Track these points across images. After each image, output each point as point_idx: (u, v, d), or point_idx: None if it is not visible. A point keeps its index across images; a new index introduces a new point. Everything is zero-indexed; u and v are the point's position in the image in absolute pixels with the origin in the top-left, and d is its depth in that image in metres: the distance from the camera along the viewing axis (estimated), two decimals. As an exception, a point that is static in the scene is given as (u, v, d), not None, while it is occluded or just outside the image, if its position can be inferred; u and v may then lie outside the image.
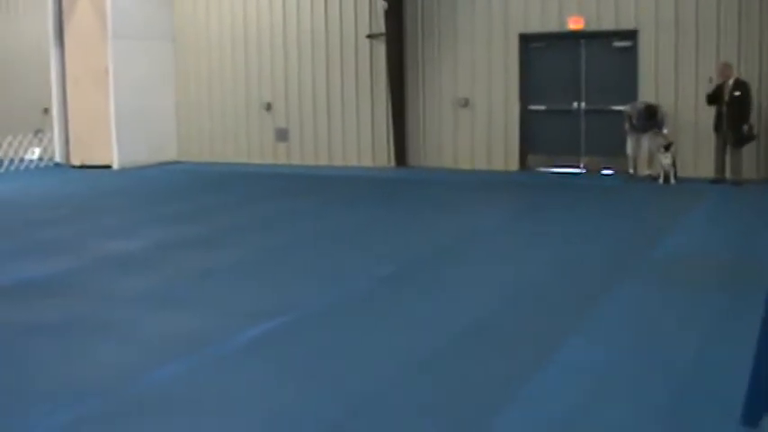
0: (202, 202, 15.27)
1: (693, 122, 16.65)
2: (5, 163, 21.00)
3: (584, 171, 18.03)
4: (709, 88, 15.76)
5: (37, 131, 22.38)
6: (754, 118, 15.72)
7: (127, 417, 5.50)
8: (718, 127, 15.75)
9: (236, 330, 7.20)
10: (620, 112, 16.83)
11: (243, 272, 9.70)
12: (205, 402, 5.71)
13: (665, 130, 16.18)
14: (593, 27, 17.65)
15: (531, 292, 8.53)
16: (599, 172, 17.80)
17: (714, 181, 15.76)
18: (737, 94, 15.47)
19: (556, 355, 6.42)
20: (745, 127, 15.42)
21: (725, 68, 15.73)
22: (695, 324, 7.21)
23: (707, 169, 16.15)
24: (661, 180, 15.93)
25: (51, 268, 9.84)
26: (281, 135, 21.11)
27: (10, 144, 21.53)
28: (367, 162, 20.11)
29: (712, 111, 15.81)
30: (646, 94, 16.98)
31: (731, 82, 15.58)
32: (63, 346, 6.97)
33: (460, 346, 6.78)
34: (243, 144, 21.70)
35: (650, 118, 16.23)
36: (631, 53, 17.41)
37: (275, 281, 9.23)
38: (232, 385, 5.97)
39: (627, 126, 16.45)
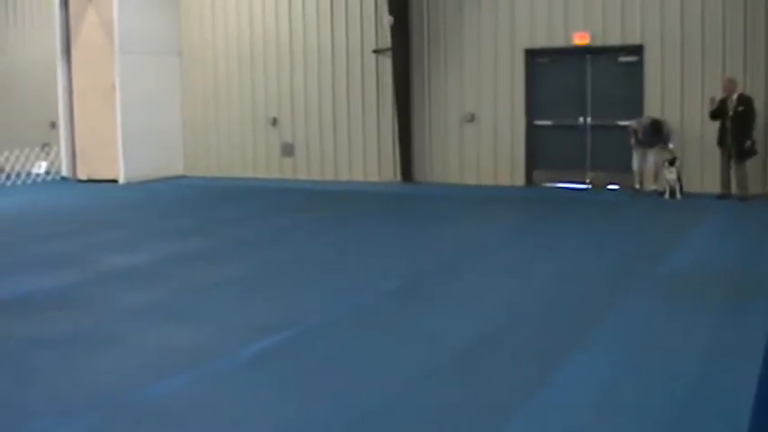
0: (208, 217, 15.29)
1: (699, 137, 16.63)
2: (12, 176, 21.06)
3: (589, 186, 18.01)
4: (713, 106, 15.75)
5: (44, 145, 22.46)
6: (759, 133, 15.72)
7: (129, 430, 5.49)
8: (721, 141, 15.75)
9: (241, 344, 7.19)
10: (625, 127, 16.81)
11: (248, 286, 9.69)
12: (209, 416, 5.69)
13: (670, 145, 16.17)
14: (599, 42, 17.65)
15: (536, 306, 8.51)
16: (605, 187, 17.77)
17: (720, 196, 15.73)
18: (741, 109, 15.46)
19: (561, 369, 6.40)
20: (748, 142, 15.42)
21: (729, 83, 15.72)
22: (700, 339, 7.18)
23: (713, 184, 16.12)
24: (667, 195, 15.90)
25: (56, 282, 9.85)
26: (287, 150, 21.14)
27: (17, 158, 21.60)
28: (373, 177, 20.12)
29: (717, 125, 15.80)
30: (651, 110, 16.96)
31: (735, 97, 15.58)
32: (66, 359, 6.96)
33: (466, 361, 6.76)
34: (249, 159, 21.72)
35: (656, 133, 16.22)
36: (637, 68, 17.41)
37: (281, 295, 9.22)
38: (236, 399, 5.95)
39: (632, 141, 16.44)
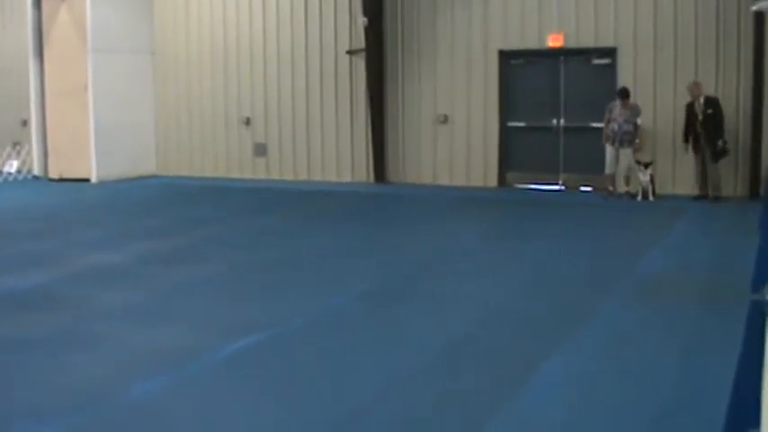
0: (181, 217, 15.22)
1: (672, 139, 16.76)
2: (-18, 176, 20.90)
3: (562, 188, 18.09)
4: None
5: (15, 144, 22.27)
6: (731, 135, 15.89)
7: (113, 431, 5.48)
8: (694, 145, 15.88)
9: (219, 345, 7.17)
10: (599, 129, 16.87)
11: (223, 287, 9.65)
12: (186, 418, 5.68)
13: (639, 121, 16.24)
14: (573, 44, 17.75)
15: (514, 308, 8.54)
16: (578, 189, 17.86)
17: (698, 197, 15.89)
18: (710, 111, 15.65)
19: (540, 371, 6.43)
20: (720, 142, 15.59)
21: (695, 87, 15.88)
22: (677, 340, 7.24)
23: (685, 186, 16.29)
24: (639, 197, 16.03)
25: (30, 281, 9.76)
26: (260, 150, 21.09)
27: (-13, 157, 21.44)
28: (346, 177, 20.11)
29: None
30: (624, 112, 17.07)
31: (702, 100, 15.74)
32: (46, 359, 6.91)
33: (445, 363, 6.77)
34: (222, 158, 21.66)
35: (625, 97, 16.23)
36: (610, 70, 17.52)
37: (256, 296, 9.20)
38: (213, 401, 5.94)
39: (606, 131, 16.42)
